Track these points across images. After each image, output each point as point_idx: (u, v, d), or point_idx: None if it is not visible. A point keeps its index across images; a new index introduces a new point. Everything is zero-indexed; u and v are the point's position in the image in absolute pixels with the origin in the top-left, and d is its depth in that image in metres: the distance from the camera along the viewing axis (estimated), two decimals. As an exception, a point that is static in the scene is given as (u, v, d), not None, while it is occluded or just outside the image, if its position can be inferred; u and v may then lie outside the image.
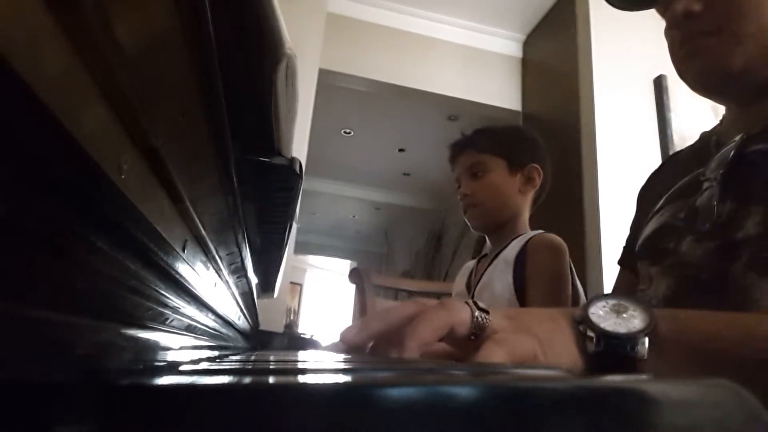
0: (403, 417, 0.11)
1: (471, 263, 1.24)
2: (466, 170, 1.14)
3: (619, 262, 0.74)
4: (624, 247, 0.74)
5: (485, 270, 1.11)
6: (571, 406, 0.12)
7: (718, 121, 0.64)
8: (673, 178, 0.63)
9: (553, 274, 1.01)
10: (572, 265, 1.07)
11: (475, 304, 0.39)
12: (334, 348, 0.45)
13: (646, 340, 0.36)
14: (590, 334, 0.37)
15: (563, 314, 0.41)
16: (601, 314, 0.38)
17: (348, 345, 0.38)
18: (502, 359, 0.33)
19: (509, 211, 1.12)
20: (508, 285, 1.02)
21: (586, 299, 1.10)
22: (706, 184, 0.55)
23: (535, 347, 0.37)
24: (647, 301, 0.38)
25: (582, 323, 0.39)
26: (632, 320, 0.37)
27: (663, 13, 0.58)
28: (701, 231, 0.52)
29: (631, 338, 0.36)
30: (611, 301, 0.39)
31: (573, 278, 1.05)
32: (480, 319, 0.38)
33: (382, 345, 0.38)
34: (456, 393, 0.11)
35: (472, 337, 0.38)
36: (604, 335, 0.37)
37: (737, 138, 0.53)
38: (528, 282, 1.01)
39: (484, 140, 1.14)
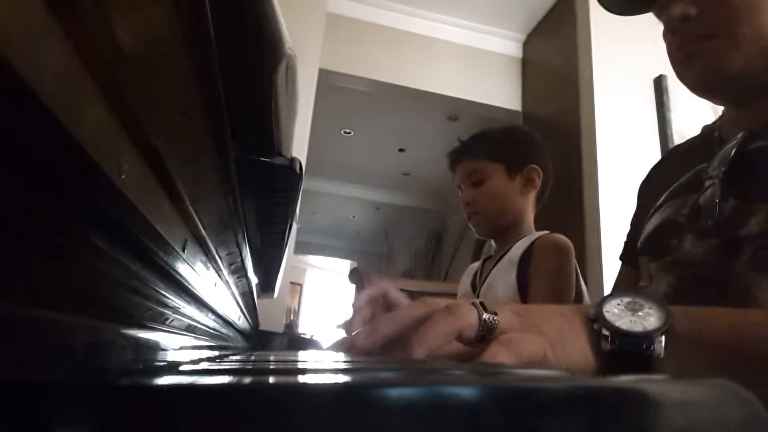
0: (402, 417, 0.11)
1: (476, 264, 1.24)
2: (466, 178, 1.14)
3: (621, 258, 0.74)
4: (625, 242, 0.74)
5: (490, 271, 1.11)
6: (571, 406, 0.12)
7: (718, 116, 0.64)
8: (675, 172, 0.63)
9: (557, 274, 1.01)
10: (578, 267, 1.06)
11: (482, 305, 0.38)
12: (339, 348, 0.44)
13: (663, 338, 0.35)
14: (605, 332, 0.37)
15: (575, 311, 0.41)
16: (615, 312, 0.38)
17: (358, 349, 0.37)
18: (508, 361, 0.33)
19: (512, 215, 1.12)
20: (512, 284, 1.02)
21: (589, 300, 1.10)
22: (708, 182, 0.54)
23: (545, 347, 0.36)
24: (662, 298, 0.37)
25: (596, 321, 0.38)
26: (648, 318, 0.36)
27: (660, 16, 0.58)
28: (703, 228, 0.52)
29: (648, 337, 0.35)
30: (626, 299, 0.38)
31: (578, 279, 1.05)
32: (488, 320, 0.37)
33: (390, 347, 0.38)
34: (456, 393, 0.11)
35: (481, 338, 0.38)
36: (619, 334, 0.36)
37: (738, 136, 0.53)
38: (531, 281, 1.01)
39: (480, 146, 1.14)
